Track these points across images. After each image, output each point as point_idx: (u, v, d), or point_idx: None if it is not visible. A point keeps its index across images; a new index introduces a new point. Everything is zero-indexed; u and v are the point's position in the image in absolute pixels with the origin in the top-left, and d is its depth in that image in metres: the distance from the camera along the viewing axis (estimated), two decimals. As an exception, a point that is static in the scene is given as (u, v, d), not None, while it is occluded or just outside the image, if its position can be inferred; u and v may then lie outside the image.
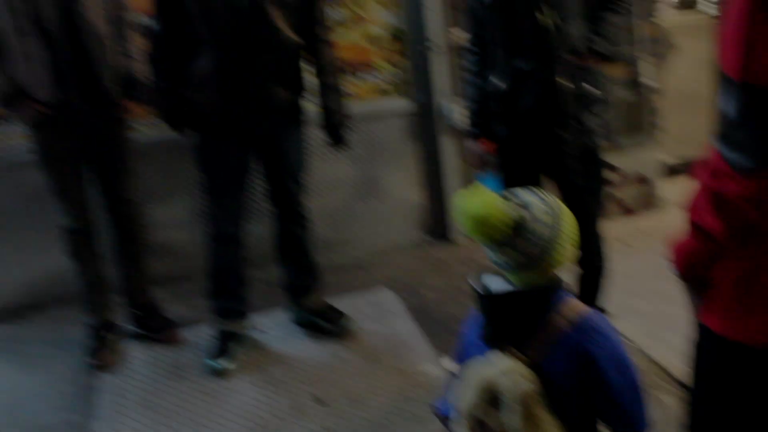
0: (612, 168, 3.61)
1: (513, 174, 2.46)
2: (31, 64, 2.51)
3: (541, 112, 2.25)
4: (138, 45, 2.65)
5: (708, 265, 1.16)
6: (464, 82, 2.52)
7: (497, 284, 1.38)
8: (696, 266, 1.19)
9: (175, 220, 3.45)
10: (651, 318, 2.91)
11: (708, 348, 1.25)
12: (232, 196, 2.67)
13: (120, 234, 2.88)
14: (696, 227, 1.13)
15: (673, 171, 4.38)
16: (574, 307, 1.37)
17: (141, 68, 2.68)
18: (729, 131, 1.03)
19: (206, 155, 2.63)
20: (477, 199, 1.30)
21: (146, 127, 3.09)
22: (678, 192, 4.27)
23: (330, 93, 2.66)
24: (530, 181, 2.44)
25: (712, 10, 4.42)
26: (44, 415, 2.58)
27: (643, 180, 4.01)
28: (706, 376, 1.29)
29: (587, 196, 2.40)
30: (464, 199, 1.31)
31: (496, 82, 2.30)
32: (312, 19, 2.57)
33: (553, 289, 1.37)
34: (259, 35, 2.42)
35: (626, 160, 3.85)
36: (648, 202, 4.06)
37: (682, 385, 2.43)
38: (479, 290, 1.37)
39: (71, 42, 2.52)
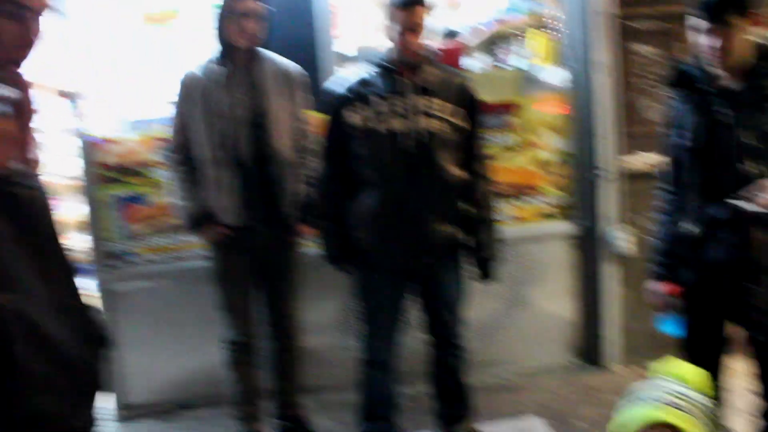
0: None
1: (697, 320, 2.35)
2: (222, 191, 2.70)
3: (732, 263, 2.14)
4: (316, 170, 2.77)
5: None
6: (655, 220, 2.43)
7: None
8: None
9: (323, 325, 3.50)
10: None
11: None
12: (388, 325, 2.70)
13: (278, 347, 2.96)
14: None
15: None
16: None
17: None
18: None
19: (365, 288, 2.70)
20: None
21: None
22: None
23: (483, 227, 2.66)
24: (715, 327, 2.33)
25: None
26: None
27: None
28: None
29: None
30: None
31: (689, 226, 2.22)
32: (471, 154, 2.62)
33: None
34: (425, 174, 2.49)
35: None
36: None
37: None
38: None
39: (260, 171, 2.70)
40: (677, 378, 1.43)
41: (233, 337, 2.85)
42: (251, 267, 2.83)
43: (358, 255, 2.64)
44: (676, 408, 1.34)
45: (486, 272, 2.71)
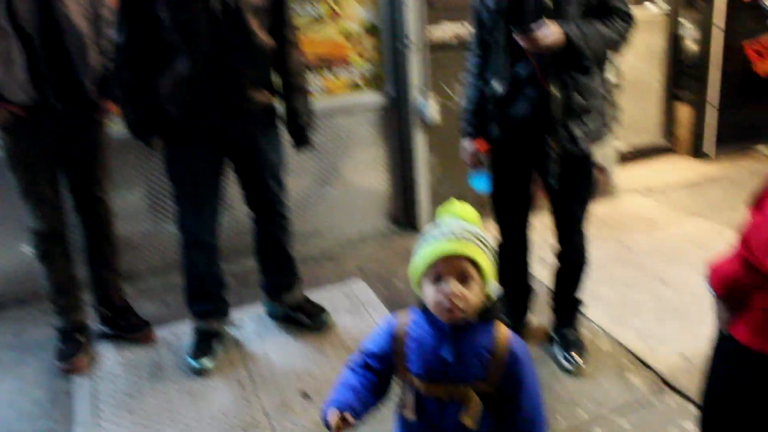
0: (602, 170, 3.75)
1: (504, 174, 2.55)
2: (7, 65, 2.40)
3: (534, 118, 2.32)
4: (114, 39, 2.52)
5: (748, 291, 1.26)
6: (464, 82, 2.57)
7: None
8: (735, 291, 1.29)
9: (136, 212, 3.40)
10: (615, 304, 3.06)
11: (731, 355, 1.37)
12: (207, 203, 2.64)
13: (91, 234, 2.81)
14: (746, 260, 1.22)
15: (624, 158, 4.56)
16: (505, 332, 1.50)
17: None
18: None
19: (178, 164, 2.59)
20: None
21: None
22: (630, 179, 4.47)
23: (296, 94, 2.65)
24: (520, 181, 2.55)
25: (662, 6, 4.75)
26: (16, 423, 2.48)
27: (600, 170, 4.14)
28: (725, 381, 1.41)
29: (570, 198, 2.50)
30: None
31: (495, 86, 2.36)
32: (281, 21, 2.55)
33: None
34: (235, 40, 2.40)
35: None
36: (604, 190, 4.19)
37: (647, 366, 2.57)
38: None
39: (50, 42, 2.42)
40: (460, 217, 1.47)
41: (40, 228, 2.65)
42: (52, 150, 2.60)
43: (168, 128, 2.52)
44: (463, 239, 1.39)
45: (301, 140, 2.72)
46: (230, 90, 2.45)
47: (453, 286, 1.38)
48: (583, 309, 2.77)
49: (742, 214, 1.28)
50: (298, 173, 3.46)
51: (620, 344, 2.77)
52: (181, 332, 2.91)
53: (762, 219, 1.19)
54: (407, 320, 1.51)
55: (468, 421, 1.43)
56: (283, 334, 2.94)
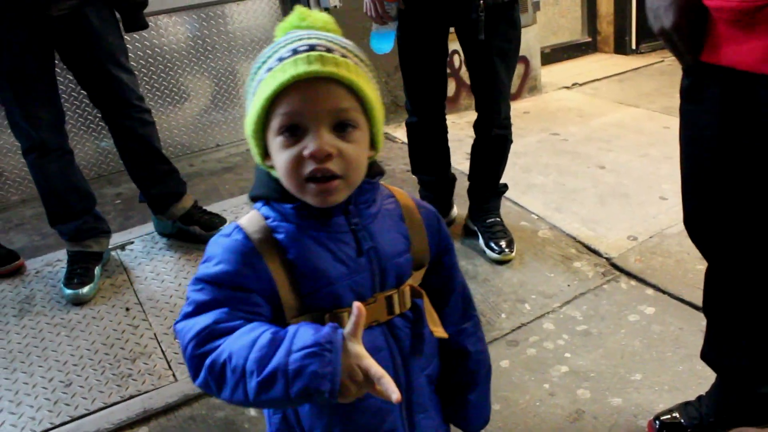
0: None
1: (418, 28, 2.14)
2: None
3: None
4: None
5: None
6: None
7: None
8: None
9: (4, 143, 2.99)
10: (552, 191, 2.79)
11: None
12: (40, 96, 2.14)
13: None
14: None
15: (547, 58, 4.33)
16: None
17: None
18: None
19: None
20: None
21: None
22: (555, 76, 4.20)
23: None
24: (435, 39, 2.17)
25: None
26: None
27: (523, 61, 3.83)
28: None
29: (496, 55, 2.13)
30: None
31: None
32: None
33: None
34: None
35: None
36: (528, 85, 3.91)
37: (594, 251, 2.29)
38: None
39: None
40: (315, 28, 0.86)
41: None
42: None
43: None
44: (331, 53, 0.81)
45: (134, 20, 2.28)
46: None
47: (323, 137, 0.79)
48: (509, 195, 2.47)
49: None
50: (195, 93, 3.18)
51: (562, 232, 2.48)
52: (57, 262, 2.48)
53: None
54: (260, 224, 0.86)
55: (438, 329, 0.97)
56: (176, 251, 2.51)
